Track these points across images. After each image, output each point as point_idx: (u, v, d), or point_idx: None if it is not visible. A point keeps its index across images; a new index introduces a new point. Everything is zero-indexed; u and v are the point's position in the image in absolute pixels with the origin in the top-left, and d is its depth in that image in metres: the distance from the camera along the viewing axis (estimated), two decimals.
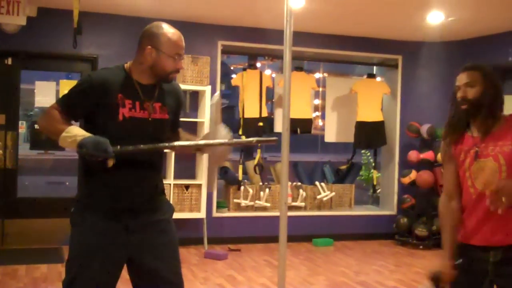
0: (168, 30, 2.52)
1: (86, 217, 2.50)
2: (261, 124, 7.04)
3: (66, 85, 6.75)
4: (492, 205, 2.39)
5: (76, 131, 2.38)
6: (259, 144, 7.18)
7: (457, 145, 2.63)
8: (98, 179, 2.47)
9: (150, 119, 2.53)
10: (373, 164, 8.19)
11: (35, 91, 6.68)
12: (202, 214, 6.58)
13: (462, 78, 2.60)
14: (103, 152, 2.31)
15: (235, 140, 2.64)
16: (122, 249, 2.50)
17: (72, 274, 2.49)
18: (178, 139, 2.69)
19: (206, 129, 6.51)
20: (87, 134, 2.36)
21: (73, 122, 2.53)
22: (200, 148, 2.59)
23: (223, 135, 2.56)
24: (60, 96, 6.62)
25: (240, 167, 7.16)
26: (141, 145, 2.44)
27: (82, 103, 2.47)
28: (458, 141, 2.63)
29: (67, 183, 10.29)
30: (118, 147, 2.37)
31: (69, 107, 2.48)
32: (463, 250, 2.61)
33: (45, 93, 6.64)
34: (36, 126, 6.79)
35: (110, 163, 2.35)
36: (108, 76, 2.49)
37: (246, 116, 7.00)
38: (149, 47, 2.49)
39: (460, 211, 2.64)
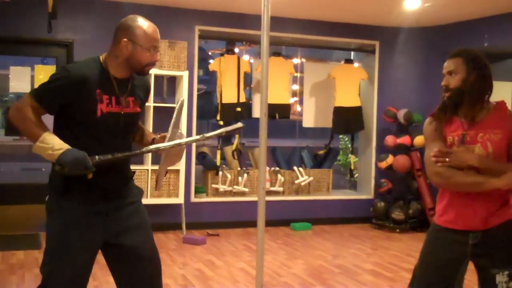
0: (144, 23, 2.53)
1: (62, 204, 2.52)
2: (239, 109, 7.03)
3: (41, 70, 6.67)
4: (436, 157, 2.56)
5: (52, 141, 2.38)
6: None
7: (447, 126, 2.66)
8: None
9: (123, 113, 2.56)
10: (351, 149, 8.26)
11: (9, 76, 6.58)
12: (180, 200, 6.57)
13: (446, 66, 2.62)
14: (83, 169, 2.36)
15: (207, 134, 2.71)
16: (99, 233, 2.55)
17: (52, 262, 2.52)
18: (137, 130, 2.77)
19: (183, 114, 6.48)
20: (64, 147, 2.37)
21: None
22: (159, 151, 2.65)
23: (179, 138, 2.66)
24: (36, 85, 6.55)
25: (218, 152, 7.16)
26: (119, 154, 2.50)
27: (59, 99, 2.45)
28: (448, 123, 2.66)
29: (43, 169, 10.19)
30: (96, 157, 2.42)
31: (45, 102, 2.45)
32: (442, 234, 2.71)
33: (20, 78, 6.55)
34: None
35: (90, 175, 2.41)
36: (86, 71, 2.47)
37: (224, 101, 6.99)
38: (125, 40, 2.49)
39: None
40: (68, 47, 6.47)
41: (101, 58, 2.56)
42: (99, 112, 2.47)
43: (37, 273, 4.88)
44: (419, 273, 2.78)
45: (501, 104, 2.62)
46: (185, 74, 6.54)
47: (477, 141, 2.57)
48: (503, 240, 2.61)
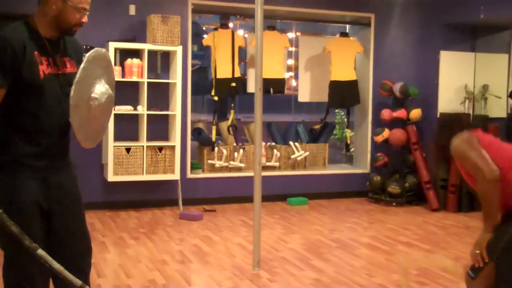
0: None
1: (15, 176, 2.47)
2: (233, 84, 6.98)
3: None
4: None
5: None
6: (232, 105, 7.19)
7: None
8: (21, 140, 2.46)
9: (63, 73, 2.54)
10: (347, 123, 8.23)
11: None
12: (176, 176, 6.56)
13: None
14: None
15: None
16: (44, 204, 2.52)
17: (20, 257, 2.46)
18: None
19: (178, 90, 6.44)
20: None
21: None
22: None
23: (100, 92, 2.56)
24: None
25: (214, 128, 7.13)
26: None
27: (12, 68, 2.39)
28: None
29: None
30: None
31: (5, 75, 2.38)
32: None
33: None
34: None
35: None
36: (21, 35, 2.43)
37: (218, 76, 6.93)
38: None
39: None
40: None
41: (29, 21, 2.51)
42: (42, 74, 2.44)
43: None
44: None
45: None
46: (178, 49, 6.47)
47: None
48: None
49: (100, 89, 2.57)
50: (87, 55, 2.52)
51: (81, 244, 2.68)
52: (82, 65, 2.48)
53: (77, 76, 2.46)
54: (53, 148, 2.54)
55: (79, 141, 2.57)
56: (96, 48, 2.59)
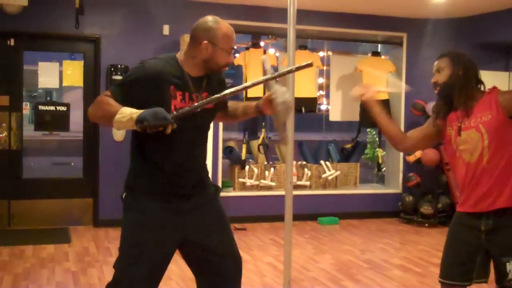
0: (224, 24, 2.58)
1: (141, 201, 2.53)
2: None
3: (70, 66, 6.74)
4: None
5: (129, 111, 2.35)
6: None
7: (445, 120, 2.86)
8: (152, 165, 2.52)
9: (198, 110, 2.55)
10: (378, 143, 8.18)
11: (38, 72, 6.66)
12: None
13: (435, 65, 2.93)
14: (163, 120, 2.30)
15: (276, 73, 2.62)
16: (175, 233, 2.56)
17: (126, 259, 2.52)
18: (228, 112, 2.84)
19: None
20: (141, 110, 2.35)
21: None
22: (261, 110, 2.72)
23: (281, 92, 2.60)
24: (64, 80, 6.61)
25: (244, 146, 7.15)
26: (195, 104, 2.44)
27: (136, 93, 2.46)
28: (445, 117, 2.85)
29: (72, 164, 10.30)
30: (174, 112, 2.40)
31: (120, 95, 2.45)
32: (458, 219, 2.84)
33: (49, 74, 6.63)
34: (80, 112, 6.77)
35: (169, 129, 2.35)
36: (162, 67, 2.49)
37: (250, 95, 6.96)
38: (206, 42, 2.51)
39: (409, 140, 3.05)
40: (95, 42, 6.52)
41: (177, 55, 2.58)
42: (173, 107, 2.46)
43: (67, 266, 4.94)
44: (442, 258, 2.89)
45: (492, 89, 2.79)
46: None
47: (471, 126, 2.73)
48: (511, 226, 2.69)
49: (280, 89, 2.61)
50: (267, 66, 2.69)
51: (233, 264, 2.74)
52: (268, 75, 2.61)
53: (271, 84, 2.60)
54: (185, 179, 2.57)
55: (282, 145, 2.66)
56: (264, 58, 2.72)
